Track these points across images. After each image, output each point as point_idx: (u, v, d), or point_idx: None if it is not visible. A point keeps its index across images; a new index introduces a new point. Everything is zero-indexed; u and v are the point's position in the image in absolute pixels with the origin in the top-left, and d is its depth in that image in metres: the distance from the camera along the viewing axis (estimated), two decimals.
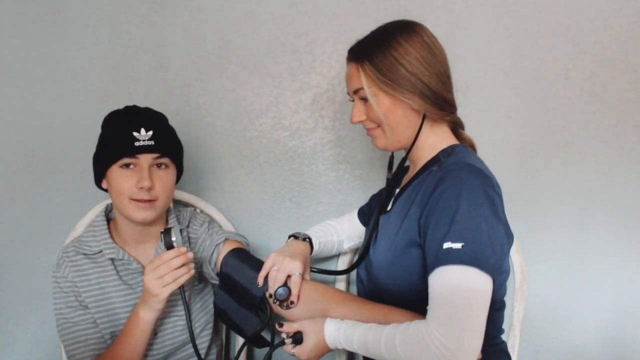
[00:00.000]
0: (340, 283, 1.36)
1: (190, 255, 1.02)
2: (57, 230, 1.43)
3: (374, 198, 1.28)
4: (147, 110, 1.14)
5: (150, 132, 1.07)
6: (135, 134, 1.06)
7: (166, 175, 1.11)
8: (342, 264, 1.35)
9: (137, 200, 1.06)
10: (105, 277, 1.13)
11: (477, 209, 0.86)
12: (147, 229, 1.14)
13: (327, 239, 1.24)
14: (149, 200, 1.07)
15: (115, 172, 1.07)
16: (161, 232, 1.03)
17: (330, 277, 1.38)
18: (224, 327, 1.37)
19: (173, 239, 1.02)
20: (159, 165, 1.10)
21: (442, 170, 0.92)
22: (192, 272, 1.03)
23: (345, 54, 1.04)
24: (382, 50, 0.96)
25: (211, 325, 1.23)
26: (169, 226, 1.09)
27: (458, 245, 0.83)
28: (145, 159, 1.07)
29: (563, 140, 1.40)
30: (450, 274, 0.83)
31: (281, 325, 1.00)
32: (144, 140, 1.06)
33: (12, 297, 1.52)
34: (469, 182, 0.88)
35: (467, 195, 0.86)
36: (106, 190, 1.13)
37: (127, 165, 1.07)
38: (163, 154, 1.09)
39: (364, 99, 1.00)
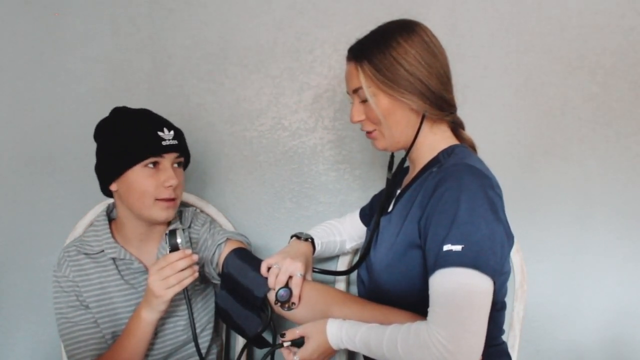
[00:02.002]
0: (341, 283, 1.36)
1: (195, 257, 1.01)
2: (57, 230, 1.43)
3: (375, 198, 1.28)
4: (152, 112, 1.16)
5: (172, 132, 1.10)
6: (160, 133, 1.07)
7: (182, 174, 1.14)
8: (342, 264, 1.35)
9: (162, 200, 1.08)
10: (107, 277, 1.13)
11: (477, 211, 0.85)
12: (154, 228, 1.15)
13: (330, 239, 1.24)
14: (173, 199, 1.09)
15: (139, 172, 1.07)
16: (165, 234, 1.03)
17: (330, 278, 1.38)
18: (224, 327, 1.37)
19: (179, 240, 1.02)
20: (177, 165, 1.12)
21: (442, 171, 0.92)
22: (196, 274, 1.02)
23: (345, 54, 1.04)
24: (381, 50, 0.96)
25: (212, 325, 1.23)
26: (174, 227, 1.10)
27: (458, 248, 0.83)
28: (169, 158, 1.09)
29: (563, 140, 1.40)
30: (450, 276, 0.83)
31: (283, 335, 0.99)
32: (169, 140, 1.08)
33: (12, 297, 1.52)
34: (468, 184, 0.87)
35: (467, 197, 0.86)
36: (110, 195, 1.13)
37: (150, 165, 1.07)
38: (182, 154, 1.13)
39: (364, 99, 1.00)
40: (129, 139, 1.07)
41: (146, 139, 1.06)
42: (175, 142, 1.09)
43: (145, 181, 1.06)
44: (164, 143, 1.07)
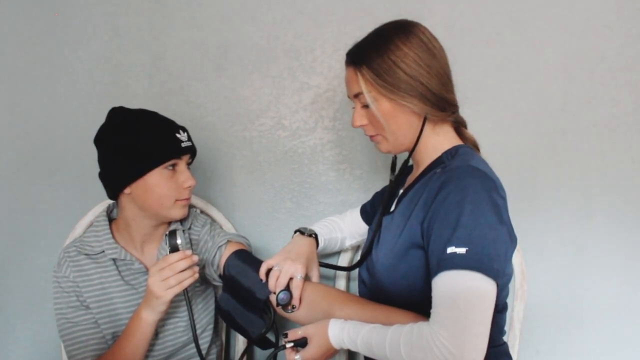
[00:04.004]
0: (341, 281, 1.37)
1: (195, 258, 1.01)
2: (57, 230, 1.43)
3: (376, 196, 1.28)
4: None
5: (186, 134, 1.12)
6: (178, 135, 1.09)
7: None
8: (342, 261, 1.36)
9: (180, 200, 1.10)
10: (107, 278, 1.13)
11: (480, 213, 0.85)
12: (159, 229, 1.16)
13: (332, 236, 1.24)
14: (189, 198, 1.13)
15: (158, 176, 1.07)
16: (165, 235, 1.03)
17: (331, 276, 1.38)
18: (224, 327, 1.37)
19: (178, 241, 1.02)
20: (188, 164, 1.14)
21: (446, 173, 0.92)
22: (196, 275, 1.02)
23: (345, 54, 1.04)
24: (380, 54, 0.95)
25: (212, 326, 1.23)
26: (174, 228, 1.10)
27: (462, 250, 0.83)
28: (185, 159, 1.11)
29: (563, 140, 1.40)
30: (454, 278, 0.83)
31: (285, 335, 1.00)
32: (185, 142, 1.10)
33: (12, 297, 1.52)
34: (472, 186, 0.87)
35: (470, 199, 0.86)
36: (115, 198, 1.12)
37: (170, 167, 1.08)
38: (193, 155, 1.15)
39: (365, 104, 1.00)
40: (149, 141, 1.06)
41: (167, 142, 1.07)
42: (189, 143, 1.11)
43: (166, 184, 1.07)
44: (182, 145, 1.09)
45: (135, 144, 1.06)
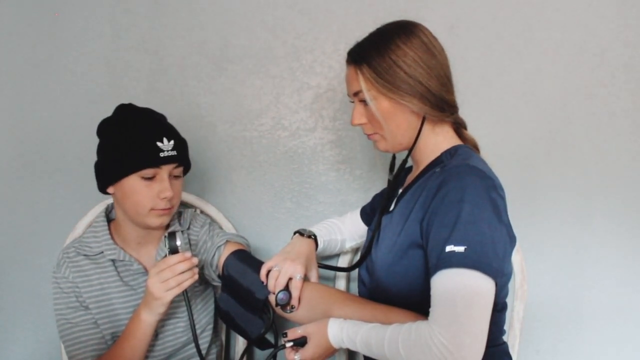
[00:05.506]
0: (341, 282, 1.37)
1: (195, 260, 1.01)
2: (57, 230, 1.43)
3: (376, 197, 1.28)
4: (161, 117, 1.14)
5: (172, 142, 1.07)
6: (159, 144, 1.05)
7: (180, 182, 1.12)
8: (342, 263, 1.36)
9: (157, 210, 1.07)
10: (107, 278, 1.13)
11: (480, 212, 0.85)
12: (152, 231, 1.15)
13: (332, 238, 1.24)
14: (168, 208, 1.08)
15: (134, 182, 1.05)
16: (165, 236, 1.03)
17: (331, 276, 1.38)
18: (224, 327, 1.37)
19: (178, 243, 1.01)
20: (175, 175, 1.10)
21: (445, 172, 0.92)
22: (196, 276, 1.02)
23: (345, 54, 1.04)
24: (380, 53, 0.96)
25: (211, 326, 1.23)
26: (173, 230, 1.09)
27: (461, 249, 0.83)
28: (167, 169, 1.07)
29: (563, 140, 1.40)
30: (452, 277, 0.83)
31: (285, 335, 1.00)
32: (167, 151, 1.06)
33: (13, 297, 1.52)
34: (472, 185, 0.87)
35: (470, 198, 0.86)
36: (107, 193, 1.13)
37: (147, 175, 1.05)
38: (180, 164, 1.11)
39: (364, 102, 1.00)
40: (127, 147, 1.05)
41: (143, 150, 1.04)
42: (174, 152, 1.07)
43: (141, 191, 1.05)
44: (161, 154, 1.05)
45: (115, 148, 1.06)
